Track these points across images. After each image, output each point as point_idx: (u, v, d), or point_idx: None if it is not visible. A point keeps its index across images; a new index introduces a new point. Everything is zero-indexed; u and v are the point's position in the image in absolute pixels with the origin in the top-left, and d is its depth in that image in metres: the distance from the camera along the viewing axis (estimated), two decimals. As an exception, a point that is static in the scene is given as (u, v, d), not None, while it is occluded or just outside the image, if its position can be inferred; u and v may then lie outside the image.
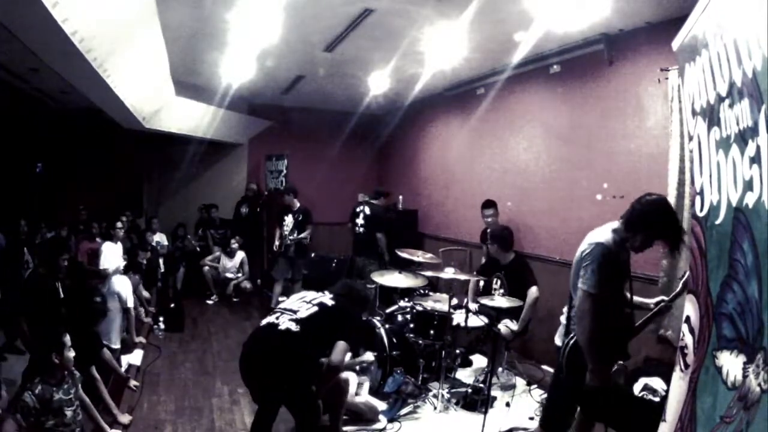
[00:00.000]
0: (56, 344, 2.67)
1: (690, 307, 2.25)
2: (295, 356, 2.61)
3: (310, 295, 3.01)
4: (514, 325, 4.31)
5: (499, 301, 4.13)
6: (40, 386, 2.59)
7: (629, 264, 2.49)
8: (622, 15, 3.95)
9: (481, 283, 4.63)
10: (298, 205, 6.54)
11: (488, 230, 5.07)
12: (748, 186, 1.59)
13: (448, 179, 6.98)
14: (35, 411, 2.53)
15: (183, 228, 8.18)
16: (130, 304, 4.64)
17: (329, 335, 2.76)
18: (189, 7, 4.08)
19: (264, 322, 2.77)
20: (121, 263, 5.11)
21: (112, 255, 5.16)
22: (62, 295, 3.89)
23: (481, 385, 4.02)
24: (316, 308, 2.82)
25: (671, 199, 3.77)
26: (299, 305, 2.85)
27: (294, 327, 2.66)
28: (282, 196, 6.85)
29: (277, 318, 2.75)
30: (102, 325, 4.27)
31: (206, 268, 7.35)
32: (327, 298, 2.95)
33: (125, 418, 3.42)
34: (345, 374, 3.30)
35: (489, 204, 5.35)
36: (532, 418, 3.71)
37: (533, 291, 4.26)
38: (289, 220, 6.49)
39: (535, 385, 4.36)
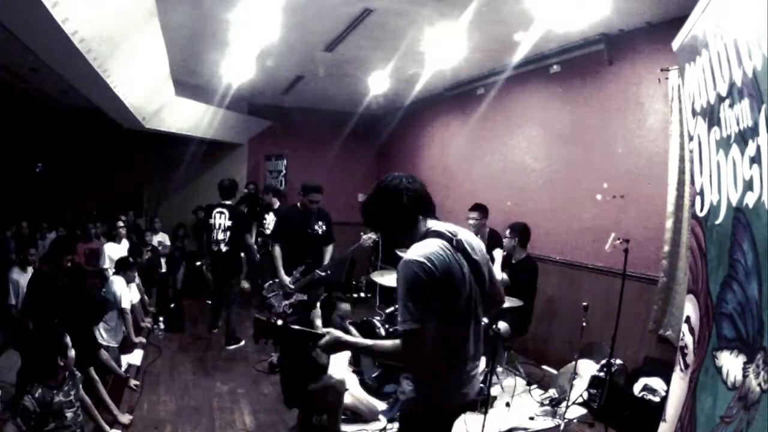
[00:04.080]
0: (59, 346, 2.63)
1: (690, 307, 2.25)
2: (232, 260, 5.16)
3: (223, 223, 5.02)
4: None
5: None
6: (40, 389, 2.53)
7: None
8: (622, 15, 3.95)
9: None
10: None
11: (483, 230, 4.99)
12: (748, 186, 1.59)
13: (448, 179, 6.97)
14: (35, 415, 2.48)
15: (183, 228, 8.16)
16: (125, 304, 4.63)
17: (239, 232, 5.14)
18: (189, 7, 4.08)
19: (215, 248, 5.06)
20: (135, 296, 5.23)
21: (115, 255, 5.18)
22: (62, 295, 3.89)
23: (481, 385, 4.01)
24: (227, 231, 5.01)
25: (671, 198, 3.78)
26: (222, 235, 5.03)
27: (227, 248, 5.04)
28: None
29: (219, 247, 5.05)
30: (102, 324, 4.27)
31: (209, 274, 7.29)
32: (225, 216, 5.05)
33: (125, 418, 3.41)
34: (340, 375, 3.31)
35: (475, 207, 5.07)
36: (532, 418, 3.71)
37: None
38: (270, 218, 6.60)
39: (535, 385, 4.37)
